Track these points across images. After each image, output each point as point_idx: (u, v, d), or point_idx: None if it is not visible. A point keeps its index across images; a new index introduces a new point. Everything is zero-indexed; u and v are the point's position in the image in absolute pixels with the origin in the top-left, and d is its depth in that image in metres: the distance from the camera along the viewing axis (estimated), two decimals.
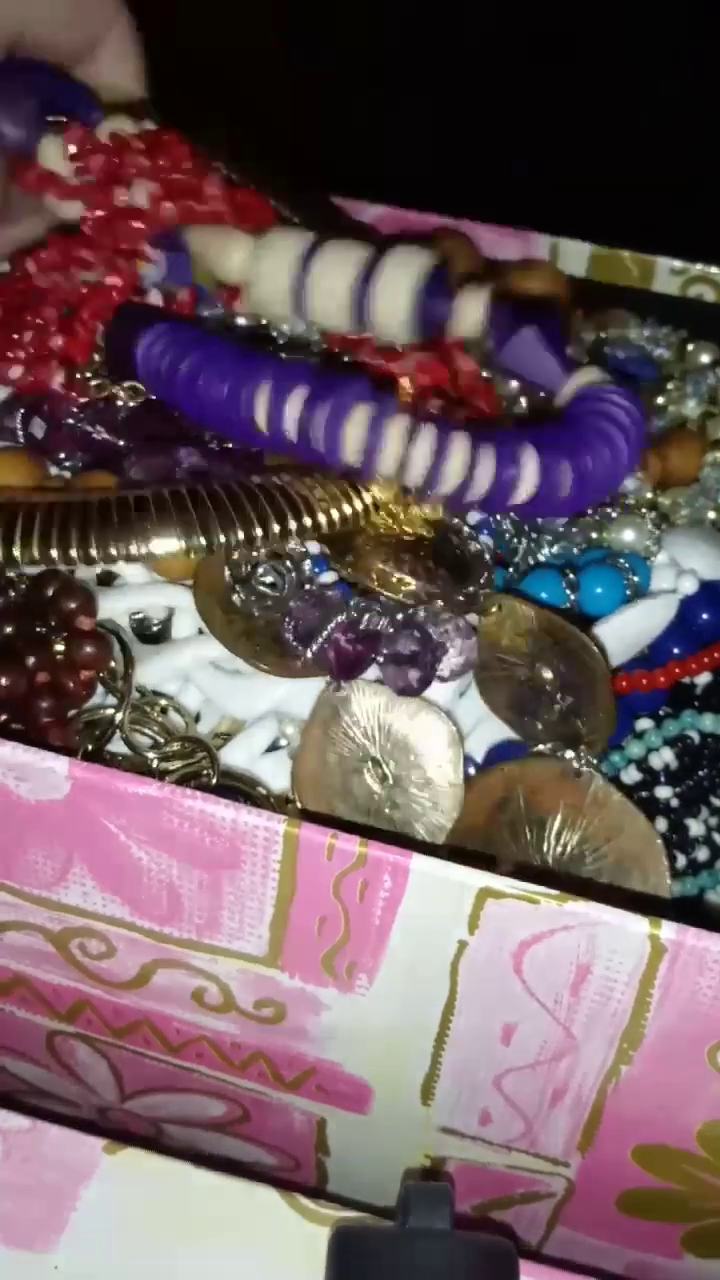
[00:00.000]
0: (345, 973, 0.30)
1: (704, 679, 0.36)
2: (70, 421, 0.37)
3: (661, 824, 0.35)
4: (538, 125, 0.89)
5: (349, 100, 0.93)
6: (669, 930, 0.27)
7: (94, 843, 0.29)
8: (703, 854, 0.35)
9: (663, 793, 0.35)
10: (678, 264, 0.43)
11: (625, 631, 0.35)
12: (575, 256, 0.45)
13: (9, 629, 0.33)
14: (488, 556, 0.35)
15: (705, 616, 0.36)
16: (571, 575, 0.36)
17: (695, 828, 0.35)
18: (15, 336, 0.39)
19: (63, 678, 0.33)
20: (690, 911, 0.34)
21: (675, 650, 0.36)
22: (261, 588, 0.34)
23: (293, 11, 0.94)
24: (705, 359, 0.42)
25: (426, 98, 0.95)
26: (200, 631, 0.35)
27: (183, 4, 0.92)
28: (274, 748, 0.35)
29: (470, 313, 0.37)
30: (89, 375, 0.38)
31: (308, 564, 0.35)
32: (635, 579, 0.36)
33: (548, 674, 0.34)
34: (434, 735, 0.33)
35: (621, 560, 0.36)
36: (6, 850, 0.31)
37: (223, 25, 0.90)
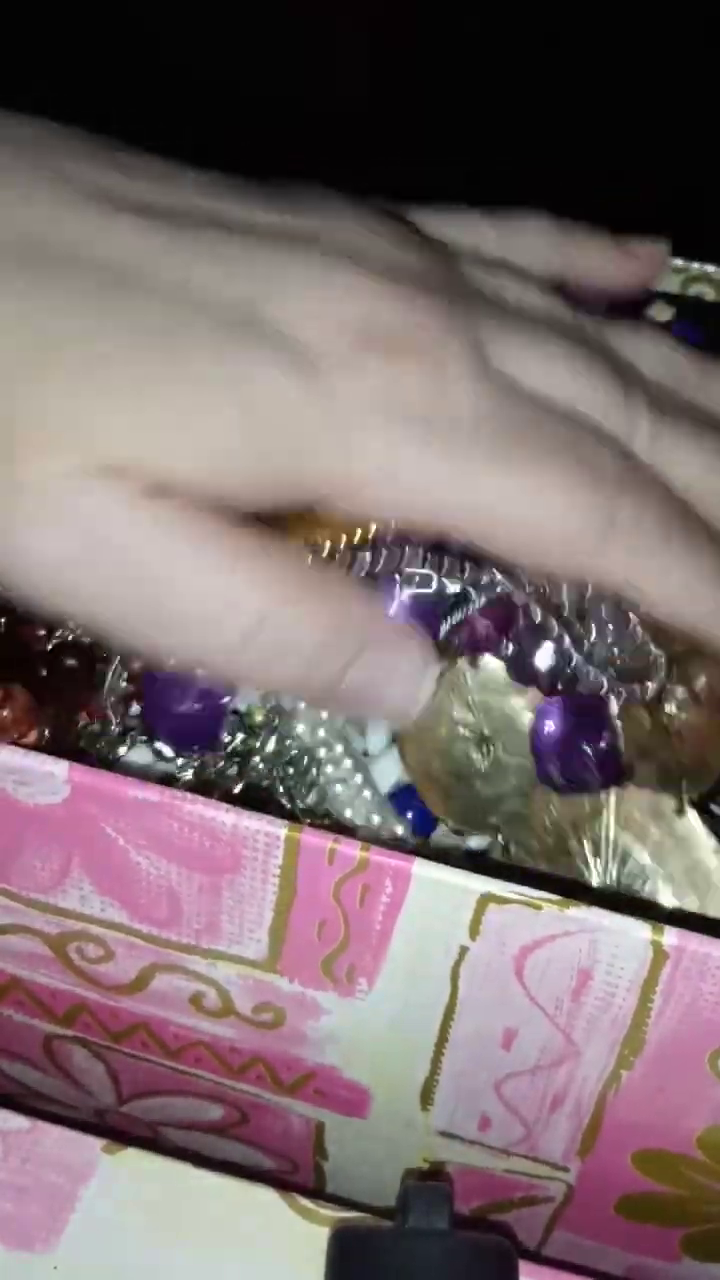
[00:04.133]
0: (345, 977, 0.30)
1: None
2: None
3: None
4: (537, 123, 0.89)
5: (346, 98, 0.93)
6: (671, 936, 0.27)
7: (93, 846, 0.29)
8: None
9: None
10: (678, 262, 0.43)
11: None
12: None
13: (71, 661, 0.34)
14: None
15: None
16: None
17: None
18: None
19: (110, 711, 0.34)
20: (691, 917, 0.34)
21: None
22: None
23: (290, 11, 0.93)
24: None
25: (424, 94, 0.95)
26: None
27: (183, 5, 0.92)
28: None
29: None
30: None
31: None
32: None
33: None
34: None
35: None
36: (5, 853, 0.30)
37: (221, 27, 0.90)
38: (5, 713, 0.32)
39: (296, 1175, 0.39)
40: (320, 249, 0.30)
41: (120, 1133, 0.40)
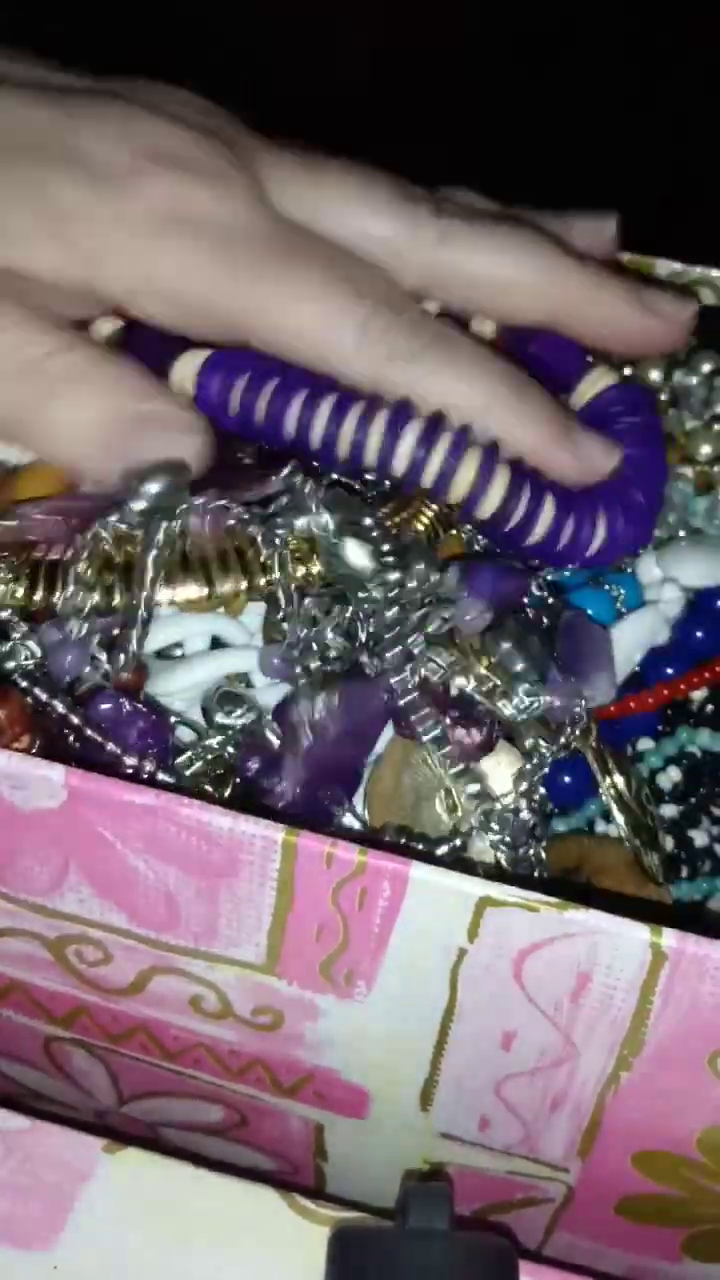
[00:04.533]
0: (344, 980, 0.30)
1: (698, 694, 0.36)
2: None
3: (668, 842, 0.35)
4: (536, 126, 0.89)
5: (345, 99, 0.93)
6: (670, 938, 0.27)
7: (90, 850, 0.29)
8: (707, 865, 0.35)
9: (668, 811, 0.35)
10: (677, 266, 0.42)
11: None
12: None
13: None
14: None
15: (700, 635, 0.36)
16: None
17: (700, 839, 0.35)
18: None
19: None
20: (691, 919, 0.34)
21: (669, 670, 0.36)
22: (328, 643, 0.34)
23: (289, 10, 0.93)
24: (706, 368, 0.42)
25: (423, 97, 0.94)
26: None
27: (182, 4, 0.92)
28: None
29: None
30: None
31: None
32: (622, 592, 0.36)
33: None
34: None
35: (607, 584, 0.37)
36: (2, 857, 0.30)
37: (220, 27, 0.90)
38: (0, 713, 0.31)
39: (296, 1177, 0.39)
40: (121, 99, 0.35)
41: (120, 1133, 0.40)
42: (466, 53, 0.98)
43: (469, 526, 0.36)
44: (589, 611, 0.36)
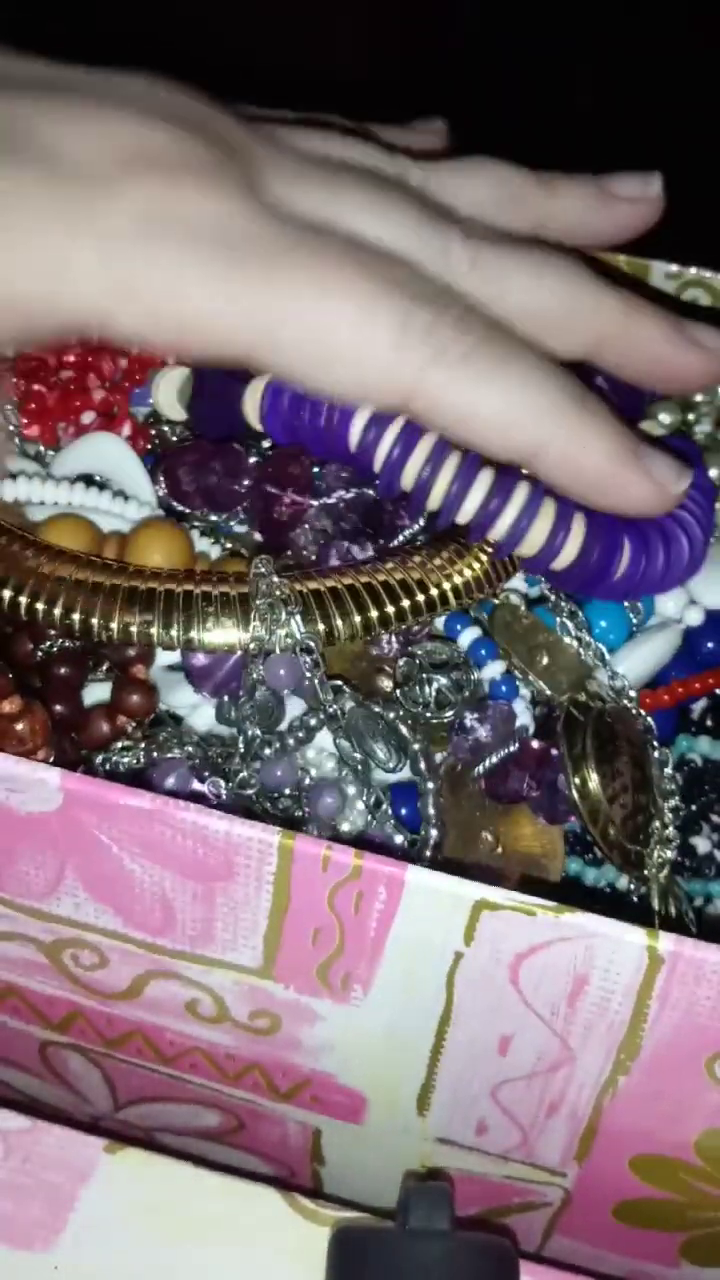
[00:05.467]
0: (340, 984, 0.30)
1: (698, 704, 0.36)
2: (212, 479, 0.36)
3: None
4: (531, 125, 0.89)
5: (345, 99, 0.93)
6: (667, 941, 0.27)
7: (86, 854, 0.29)
8: (711, 871, 0.35)
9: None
10: (673, 268, 0.42)
11: (630, 668, 0.36)
12: None
13: (64, 670, 0.33)
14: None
15: (710, 645, 0.36)
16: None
17: (702, 845, 0.35)
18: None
19: (95, 717, 0.33)
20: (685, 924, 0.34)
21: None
22: (429, 693, 0.34)
23: (289, 10, 0.93)
24: None
25: (419, 96, 0.94)
26: None
27: (183, 5, 0.92)
28: None
29: None
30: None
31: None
32: (640, 605, 0.36)
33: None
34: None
35: None
36: None
37: (219, 31, 0.90)
38: (22, 725, 0.31)
39: (293, 1181, 0.39)
40: (104, 90, 0.30)
41: (120, 1134, 0.40)
42: (466, 53, 0.98)
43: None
44: (603, 624, 0.36)
